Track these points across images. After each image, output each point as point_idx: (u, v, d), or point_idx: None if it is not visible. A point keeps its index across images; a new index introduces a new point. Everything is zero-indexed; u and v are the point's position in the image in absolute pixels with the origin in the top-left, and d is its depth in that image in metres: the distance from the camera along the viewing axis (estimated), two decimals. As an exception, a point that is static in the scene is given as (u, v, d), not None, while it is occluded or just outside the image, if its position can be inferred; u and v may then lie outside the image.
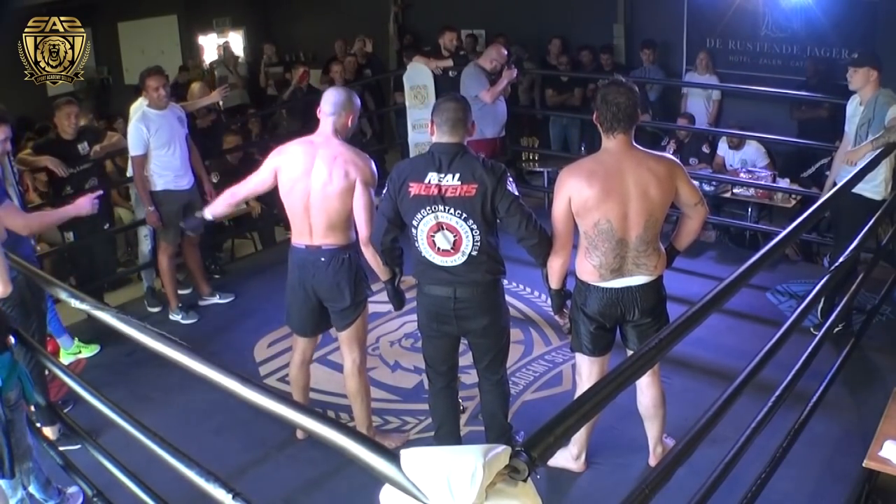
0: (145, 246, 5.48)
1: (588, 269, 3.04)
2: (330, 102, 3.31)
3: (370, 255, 3.29)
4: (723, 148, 6.75)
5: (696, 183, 3.20)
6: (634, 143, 2.97)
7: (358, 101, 3.38)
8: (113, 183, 5.99)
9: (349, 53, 8.64)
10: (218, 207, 3.69)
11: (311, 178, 3.25)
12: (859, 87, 4.27)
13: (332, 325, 3.55)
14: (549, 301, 3.35)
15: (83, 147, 4.98)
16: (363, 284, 3.41)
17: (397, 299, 3.41)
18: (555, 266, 3.10)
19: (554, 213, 3.00)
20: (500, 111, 5.91)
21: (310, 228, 3.33)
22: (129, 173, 5.46)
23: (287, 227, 3.63)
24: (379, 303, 4.19)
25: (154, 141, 4.73)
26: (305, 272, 3.39)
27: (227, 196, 3.63)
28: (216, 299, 5.32)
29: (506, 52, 5.94)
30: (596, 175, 2.90)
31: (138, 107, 4.99)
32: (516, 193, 2.99)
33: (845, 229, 4.30)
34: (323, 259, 3.34)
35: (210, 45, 10.90)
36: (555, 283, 3.15)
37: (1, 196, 3.36)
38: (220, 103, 6.44)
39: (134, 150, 4.77)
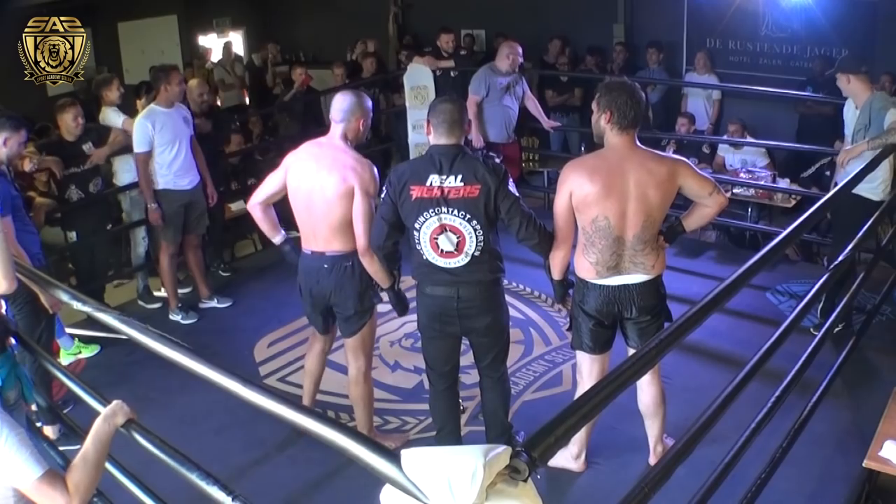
0: (141, 248, 5.48)
1: (586, 267, 3.05)
2: (338, 110, 3.24)
3: (368, 264, 3.22)
4: (723, 147, 6.75)
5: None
6: (638, 143, 2.98)
7: (369, 103, 3.32)
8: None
9: (366, 52, 8.53)
10: (265, 227, 3.50)
11: (314, 182, 3.22)
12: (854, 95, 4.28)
13: (339, 326, 3.53)
14: (549, 300, 3.36)
15: (88, 147, 4.96)
16: (369, 293, 3.35)
17: (400, 305, 3.39)
18: (556, 259, 3.12)
19: (555, 206, 3.02)
20: (502, 115, 5.84)
21: (314, 233, 3.30)
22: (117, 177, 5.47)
23: (287, 227, 3.60)
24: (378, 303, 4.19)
25: (158, 138, 4.73)
26: (310, 278, 3.37)
27: (258, 211, 3.45)
28: (214, 303, 5.30)
29: (519, 48, 5.82)
30: (598, 171, 2.91)
31: (104, 114, 5.16)
32: (517, 194, 3.00)
33: (843, 229, 4.30)
34: (326, 266, 3.30)
35: (215, 46, 10.88)
36: (557, 275, 3.18)
37: (7, 209, 3.39)
38: (220, 103, 6.46)
39: (138, 146, 4.74)
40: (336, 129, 3.26)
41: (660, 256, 3.07)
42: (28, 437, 1.93)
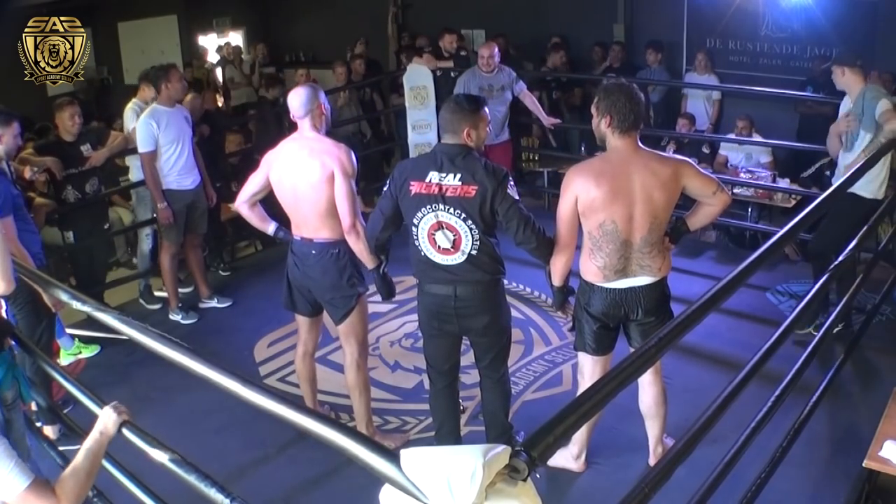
0: (146, 245, 5.48)
1: (592, 270, 3.03)
2: (298, 106, 3.31)
3: (354, 242, 3.30)
4: (726, 144, 6.74)
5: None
6: (640, 144, 2.97)
7: (322, 92, 3.40)
8: (114, 184, 5.96)
9: (356, 55, 8.59)
10: (254, 222, 3.60)
11: (297, 173, 3.29)
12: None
13: (328, 312, 3.59)
14: (549, 301, 3.36)
15: (86, 149, 4.95)
16: (355, 279, 3.42)
17: (385, 288, 3.43)
18: (557, 265, 3.10)
19: (559, 212, 3.00)
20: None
21: (304, 221, 3.38)
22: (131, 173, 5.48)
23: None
24: (379, 302, 4.19)
25: (162, 138, 4.73)
26: (299, 261, 3.47)
27: (244, 209, 3.53)
28: (214, 303, 5.31)
29: (496, 50, 5.93)
30: (604, 175, 2.89)
31: (132, 107, 5.12)
32: (516, 197, 2.99)
33: (830, 221, 4.30)
34: (314, 252, 3.39)
35: (213, 46, 10.89)
36: (557, 281, 3.16)
37: (8, 209, 3.39)
38: (220, 104, 6.45)
39: (143, 146, 4.74)
40: (303, 123, 3.34)
41: (666, 259, 3.05)
42: (11, 446, 1.91)
